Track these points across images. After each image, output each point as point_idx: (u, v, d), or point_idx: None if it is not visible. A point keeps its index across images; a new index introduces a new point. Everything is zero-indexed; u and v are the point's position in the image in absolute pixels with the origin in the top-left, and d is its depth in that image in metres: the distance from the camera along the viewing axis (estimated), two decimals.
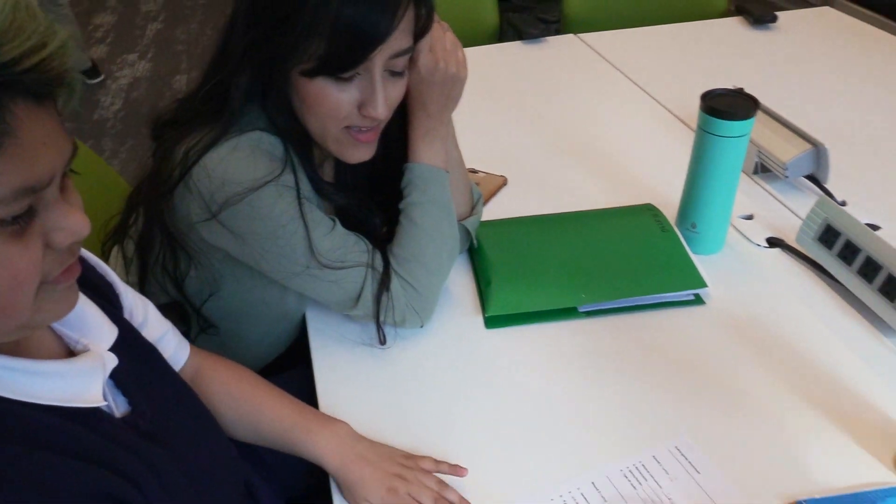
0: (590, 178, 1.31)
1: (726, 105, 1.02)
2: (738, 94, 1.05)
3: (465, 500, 0.78)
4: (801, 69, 1.69)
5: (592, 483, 0.80)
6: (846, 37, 1.86)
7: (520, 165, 1.35)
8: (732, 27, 1.93)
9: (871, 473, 0.81)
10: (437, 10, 0.89)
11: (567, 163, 1.36)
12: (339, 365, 0.96)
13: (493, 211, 1.23)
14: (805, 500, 0.77)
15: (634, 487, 0.79)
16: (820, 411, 0.88)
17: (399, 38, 0.81)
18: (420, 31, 0.86)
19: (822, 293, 1.05)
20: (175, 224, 0.92)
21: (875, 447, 0.83)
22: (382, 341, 0.97)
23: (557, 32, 1.92)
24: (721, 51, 1.79)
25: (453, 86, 0.92)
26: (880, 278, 0.97)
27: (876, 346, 0.97)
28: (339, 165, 1.00)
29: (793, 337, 0.98)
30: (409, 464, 0.79)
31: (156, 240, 0.94)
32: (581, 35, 1.87)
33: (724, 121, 1.01)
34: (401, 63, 0.86)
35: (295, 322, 1.05)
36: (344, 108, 0.85)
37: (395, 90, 0.88)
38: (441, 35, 0.90)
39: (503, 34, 1.94)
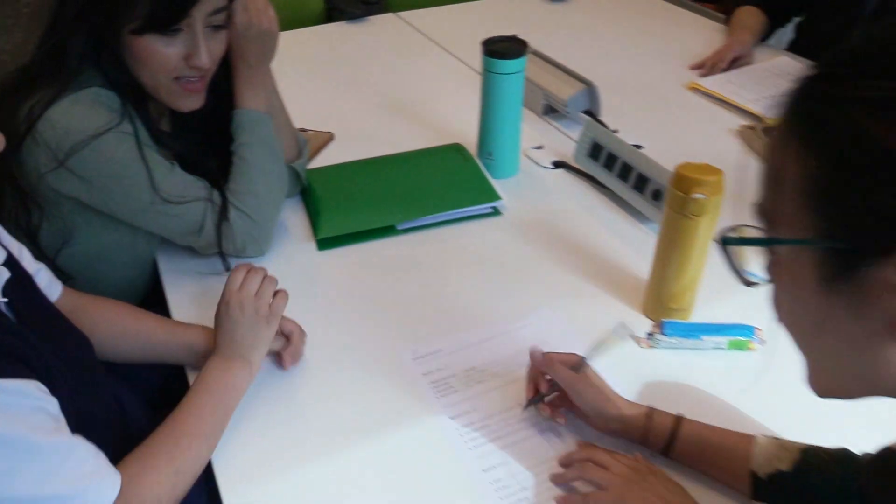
0: (409, 131, 1.49)
1: (503, 49, 1.23)
2: (513, 39, 1.26)
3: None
4: (590, 34, 1.96)
5: (413, 351, 0.98)
6: (629, 6, 2.16)
7: (346, 124, 1.51)
8: (534, 2, 2.19)
9: (631, 317, 1.03)
10: None
11: (389, 120, 1.54)
12: (190, 297, 1.08)
13: (323, 161, 1.39)
14: (666, 321, 0.99)
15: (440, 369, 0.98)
16: (594, 281, 1.10)
17: None
18: None
19: (595, 197, 1.29)
20: (24, 178, 1.02)
21: (633, 300, 1.06)
22: (227, 268, 1.11)
23: (380, 12, 2.10)
24: (524, 22, 2.03)
25: (267, 39, 1.08)
26: (633, 178, 1.22)
27: (634, 231, 1.21)
28: (175, 116, 1.13)
29: (573, 231, 1.21)
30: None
31: (6, 196, 1.04)
32: (400, 13, 2.07)
33: (501, 60, 1.22)
34: (219, 18, 1.00)
35: (147, 266, 1.17)
36: (172, 61, 0.99)
37: (217, 43, 1.02)
38: None
39: (330, 17, 2.10)
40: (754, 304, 1.06)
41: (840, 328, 0.47)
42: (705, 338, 0.97)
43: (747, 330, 0.98)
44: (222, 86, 1.11)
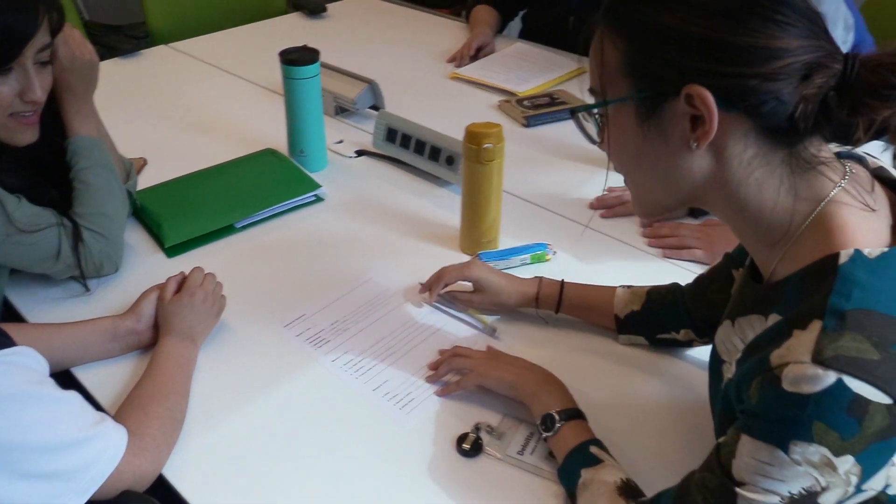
0: (216, 149, 1.60)
1: (299, 57, 1.42)
2: (305, 49, 1.45)
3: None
4: (353, 42, 2.20)
5: (281, 320, 1.14)
6: (381, 16, 2.43)
7: (153, 150, 1.60)
8: (295, 20, 2.38)
9: (452, 256, 1.26)
10: None
11: (193, 142, 1.65)
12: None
13: (142, 185, 1.47)
14: (481, 252, 1.23)
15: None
16: (415, 238, 1.32)
17: (42, 36, 1.05)
18: (55, 29, 1.10)
19: (399, 173, 1.52)
20: None
21: (451, 245, 1.30)
22: (87, 288, 1.19)
23: (148, 46, 2.17)
24: (290, 38, 2.20)
25: (90, 70, 1.18)
26: (427, 150, 1.46)
27: (437, 193, 1.45)
28: (6, 153, 1.18)
29: (388, 203, 1.42)
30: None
31: None
32: (172, 44, 2.16)
33: (300, 67, 1.40)
34: (45, 55, 1.09)
35: None
36: (6, 99, 1.06)
37: (46, 77, 1.10)
38: (71, 32, 1.15)
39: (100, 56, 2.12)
40: (543, 227, 1.35)
41: (655, 153, 0.70)
42: (513, 258, 1.24)
43: (542, 246, 1.26)
44: (45, 117, 1.18)
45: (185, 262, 1.27)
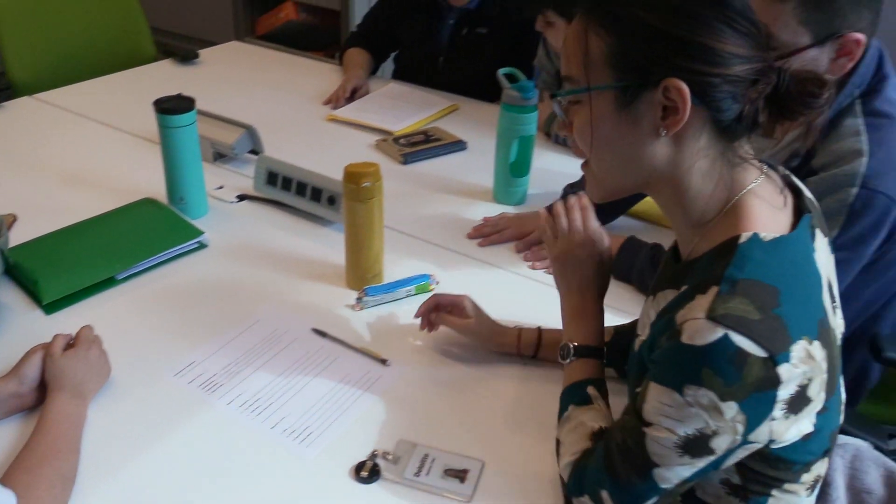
0: (91, 200, 1.57)
1: (175, 106, 1.43)
2: (179, 97, 1.46)
3: None
4: (227, 88, 2.21)
5: (170, 370, 1.14)
6: (254, 61, 2.45)
7: (28, 205, 1.55)
8: (167, 67, 2.37)
9: (340, 293, 1.30)
10: None
11: (68, 194, 1.61)
12: None
13: (13, 242, 1.43)
14: (367, 287, 1.26)
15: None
16: (302, 277, 1.35)
17: None
18: None
19: (282, 215, 1.55)
20: None
21: (338, 281, 1.34)
22: None
23: (10, 98, 2.11)
24: (162, 85, 2.19)
25: None
26: (309, 192, 1.50)
27: (321, 232, 1.49)
28: None
29: (273, 246, 1.45)
30: None
31: None
32: (36, 95, 2.10)
33: (176, 115, 1.41)
34: None
35: None
36: None
37: None
38: None
39: None
40: (425, 258, 1.41)
41: (624, 138, 0.79)
42: (399, 290, 1.29)
43: (425, 277, 1.32)
44: None
45: (65, 318, 1.25)
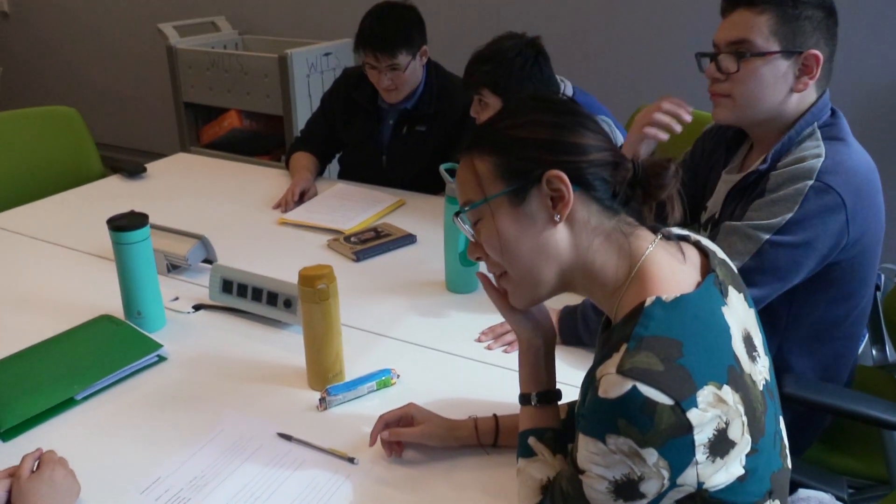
0: (50, 322, 1.58)
1: (129, 223, 1.46)
2: (132, 214, 1.49)
3: None
4: (177, 199, 2.25)
5: (136, 487, 1.13)
6: (201, 171, 2.50)
7: None
8: (115, 183, 2.40)
9: (304, 395, 1.32)
10: None
11: (25, 318, 1.61)
12: None
13: None
14: (330, 387, 1.27)
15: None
16: (262, 382, 1.37)
17: None
18: None
19: (240, 322, 1.56)
20: None
21: (300, 384, 1.35)
22: None
23: None
24: (112, 201, 2.22)
25: None
26: (265, 297, 1.52)
27: (282, 335, 1.51)
28: None
29: (229, 353, 1.46)
30: None
31: None
32: None
33: (130, 232, 1.44)
34: None
35: None
36: None
37: None
38: None
39: None
40: (385, 353, 1.44)
41: (526, 235, 0.92)
42: (361, 387, 1.31)
43: (386, 372, 1.34)
44: None
45: (25, 443, 1.23)
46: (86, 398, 1.33)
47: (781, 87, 1.35)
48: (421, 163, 2.29)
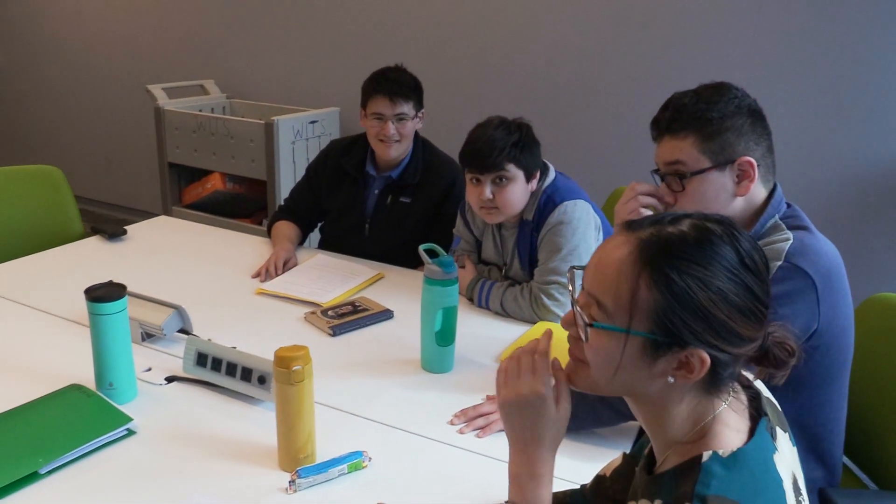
0: (17, 389, 1.55)
1: (105, 293, 1.46)
2: (111, 284, 1.49)
3: None
4: (155, 264, 2.25)
5: None
6: (182, 235, 2.51)
7: None
8: (95, 244, 2.40)
9: (273, 476, 1.30)
10: None
11: None
12: None
13: None
14: (300, 469, 1.25)
15: None
16: (243, 461, 1.35)
17: None
18: None
19: (212, 396, 1.55)
20: None
21: (270, 464, 1.34)
22: None
23: None
24: (89, 264, 2.22)
25: None
26: (239, 371, 1.52)
27: (255, 411, 1.50)
28: None
29: (199, 429, 1.44)
30: None
31: None
32: None
33: (106, 303, 1.44)
34: None
35: None
36: None
37: None
38: None
39: None
40: (357, 433, 1.43)
41: (633, 371, 0.87)
42: (331, 470, 1.30)
43: (358, 454, 1.33)
44: None
45: None
46: (50, 472, 1.31)
47: (725, 196, 1.42)
48: (403, 234, 2.32)
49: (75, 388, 1.52)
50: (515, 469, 1.00)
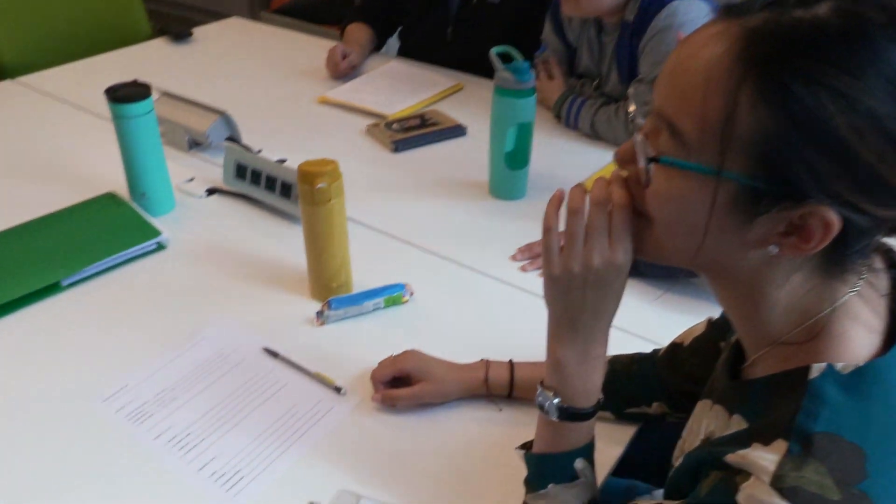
0: (55, 193, 1.44)
1: (128, 94, 1.29)
2: (135, 84, 1.32)
3: None
4: (219, 67, 2.07)
5: (100, 394, 1.02)
6: (249, 38, 2.31)
7: None
8: (160, 45, 2.24)
9: (303, 304, 1.16)
10: None
11: (30, 186, 1.50)
12: None
13: None
14: (332, 298, 1.11)
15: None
16: (263, 284, 1.21)
17: None
18: None
19: (250, 212, 1.41)
20: None
21: (302, 291, 1.19)
22: None
23: None
24: (152, 66, 2.07)
25: None
26: (278, 187, 1.35)
27: (290, 233, 1.34)
28: None
29: (237, 246, 1.31)
30: None
31: None
32: (19, 79, 1.99)
33: (128, 104, 1.28)
34: None
35: None
36: None
37: None
38: None
39: None
40: (404, 263, 1.26)
41: (722, 236, 0.58)
42: (366, 303, 1.14)
43: (399, 287, 1.16)
44: None
45: (2, 328, 1.13)
46: (73, 284, 1.22)
47: None
48: (488, 40, 2.01)
49: (109, 197, 1.40)
50: (561, 350, 0.73)
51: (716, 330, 0.86)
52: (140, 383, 1.03)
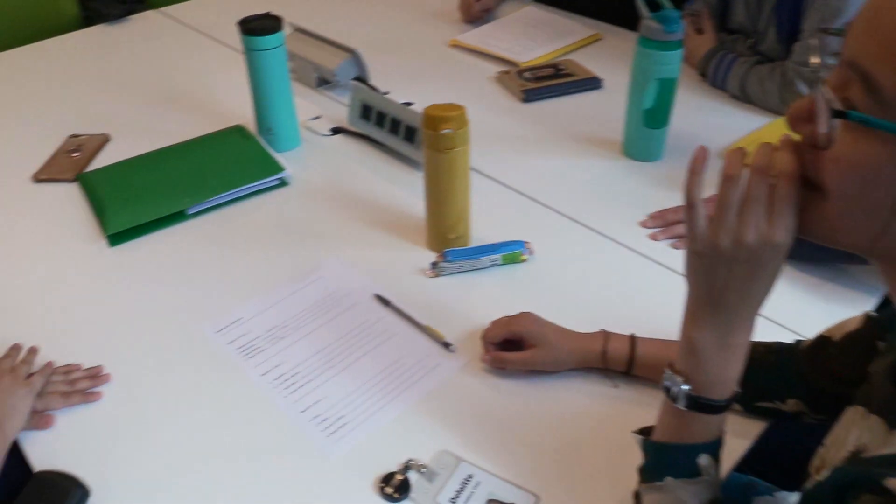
0: (188, 122, 1.48)
1: (260, 26, 1.28)
2: (267, 16, 1.31)
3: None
4: (351, 6, 2.04)
5: (213, 325, 1.02)
6: None
7: (122, 124, 1.49)
8: None
9: (417, 253, 1.13)
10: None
11: (166, 115, 1.53)
12: None
13: (102, 163, 1.37)
14: (448, 250, 1.08)
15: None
16: (380, 228, 1.19)
17: None
18: None
19: (373, 154, 1.38)
20: None
21: (418, 240, 1.16)
22: None
23: (139, 10, 2.05)
24: (288, 1, 2.07)
25: None
26: (402, 131, 1.31)
27: (411, 178, 1.31)
28: None
29: (357, 188, 1.29)
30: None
31: None
32: (162, 9, 2.04)
33: (260, 37, 1.26)
34: None
35: None
36: None
37: None
38: None
39: (88, 20, 2.02)
40: (527, 219, 1.20)
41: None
42: (482, 258, 1.09)
43: (518, 244, 1.11)
44: None
45: (129, 252, 1.17)
46: (197, 213, 1.23)
47: None
48: None
49: (237, 131, 1.41)
50: (697, 333, 0.64)
51: (874, 327, 0.76)
52: (253, 317, 1.03)
